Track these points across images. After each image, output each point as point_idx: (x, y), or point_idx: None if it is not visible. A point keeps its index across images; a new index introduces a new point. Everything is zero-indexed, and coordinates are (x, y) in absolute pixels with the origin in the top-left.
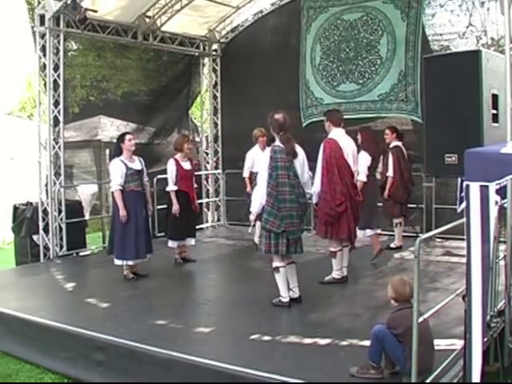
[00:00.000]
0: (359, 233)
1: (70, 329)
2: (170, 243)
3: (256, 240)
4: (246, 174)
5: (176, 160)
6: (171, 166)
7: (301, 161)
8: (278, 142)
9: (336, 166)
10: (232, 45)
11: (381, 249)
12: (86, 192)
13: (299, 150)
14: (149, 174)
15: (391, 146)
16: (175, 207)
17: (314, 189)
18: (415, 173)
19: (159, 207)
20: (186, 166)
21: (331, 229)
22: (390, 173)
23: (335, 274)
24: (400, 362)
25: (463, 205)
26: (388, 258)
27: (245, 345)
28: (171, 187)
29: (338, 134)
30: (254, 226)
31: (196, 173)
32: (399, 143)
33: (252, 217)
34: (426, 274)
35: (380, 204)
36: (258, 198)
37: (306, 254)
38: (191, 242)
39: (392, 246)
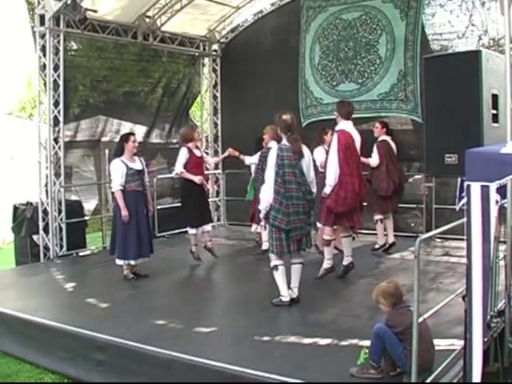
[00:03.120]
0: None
1: (70, 329)
2: (191, 230)
3: None
4: None
5: (188, 148)
6: (184, 153)
7: (307, 161)
8: (284, 141)
9: (350, 157)
10: (232, 45)
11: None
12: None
13: (306, 150)
14: (149, 173)
15: (379, 139)
16: (197, 178)
17: (330, 181)
18: (415, 172)
19: (159, 207)
20: (198, 153)
21: (341, 218)
22: (372, 161)
23: (326, 264)
24: (401, 360)
25: (463, 201)
26: (388, 258)
27: (245, 345)
28: (179, 169)
29: (347, 126)
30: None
31: None
32: (387, 138)
33: (262, 215)
34: (426, 274)
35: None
36: (266, 196)
37: (306, 253)
38: (209, 227)
39: (376, 246)
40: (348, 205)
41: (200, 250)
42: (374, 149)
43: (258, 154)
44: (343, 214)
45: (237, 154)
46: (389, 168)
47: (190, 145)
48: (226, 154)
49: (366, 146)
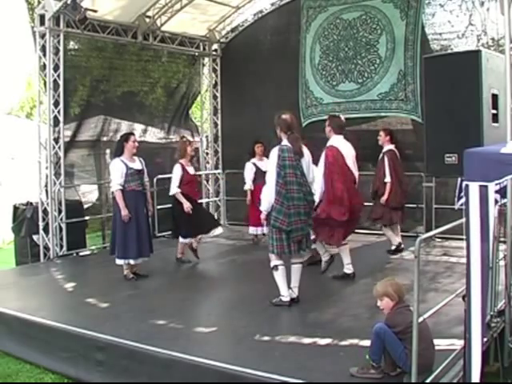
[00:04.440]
0: None
1: (70, 329)
2: (182, 240)
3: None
4: None
5: (182, 165)
6: (178, 171)
7: (307, 160)
8: (285, 142)
9: (338, 174)
10: (232, 45)
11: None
12: (88, 195)
13: (305, 149)
14: (149, 173)
15: (385, 149)
16: (186, 205)
17: (316, 197)
18: (415, 172)
19: (159, 207)
20: (191, 170)
21: (333, 233)
22: (388, 178)
23: (346, 269)
24: (401, 359)
25: (462, 200)
26: (388, 258)
27: (245, 345)
28: (175, 190)
29: (338, 141)
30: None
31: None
32: (392, 146)
33: (263, 216)
34: (426, 274)
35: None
36: (267, 196)
37: (306, 253)
38: (217, 231)
39: (392, 248)
40: (335, 220)
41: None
42: (385, 162)
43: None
44: (333, 229)
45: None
46: (400, 180)
47: (183, 161)
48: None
49: (366, 145)
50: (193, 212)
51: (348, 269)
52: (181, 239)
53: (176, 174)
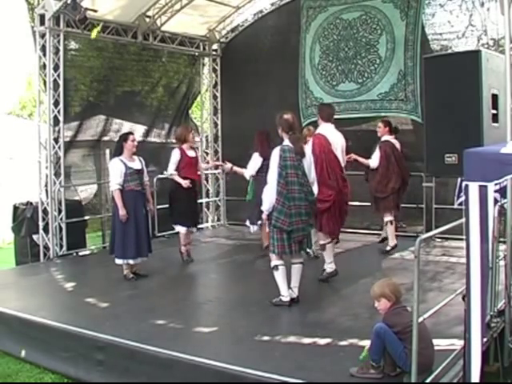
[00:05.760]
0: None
1: (70, 329)
2: (179, 228)
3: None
4: None
5: (181, 149)
6: (176, 154)
7: (308, 160)
8: (287, 142)
9: (325, 161)
10: (232, 45)
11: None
12: (87, 195)
13: (307, 150)
14: (149, 173)
15: (381, 140)
16: (184, 182)
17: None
18: (415, 172)
19: (159, 207)
20: (191, 153)
21: (319, 221)
22: (371, 163)
23: (328, 268)
24: (401, 359)
25: (461, 199)
26: (388, 258)
27: (245, 345)
28: (170, 171)
29: (326, 129)
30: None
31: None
32: (390, 137)
33: (264, 216)
34: (426, 274)
35: None
36: (269, 197)
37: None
38: (193, 229)
39: (388, 248)
40: (318, 207)
41: (195, 251)
42: (376, 150)
43: (256, 162)
44: (318, 216)
45: (229, 166)
46: (389, 170)
47: (184, 146)
48: (218, 163)
49: (367, 145)
50: (189, 200)
51: (330, 267)
52: (179, 229)
53: (173, 158)
